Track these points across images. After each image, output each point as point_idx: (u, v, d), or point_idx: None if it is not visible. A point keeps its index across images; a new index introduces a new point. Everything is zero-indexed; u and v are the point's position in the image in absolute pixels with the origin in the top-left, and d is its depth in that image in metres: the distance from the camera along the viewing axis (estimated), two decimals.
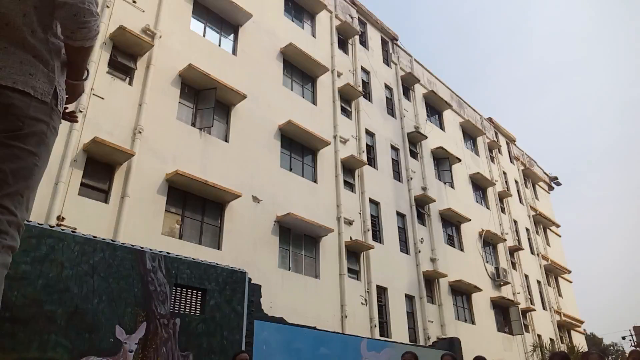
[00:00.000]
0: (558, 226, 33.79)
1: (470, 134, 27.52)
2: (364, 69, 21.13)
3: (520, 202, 30.04)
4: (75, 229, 8.38)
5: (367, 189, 18.07)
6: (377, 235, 17.90)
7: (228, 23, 15.95)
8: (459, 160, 24.00)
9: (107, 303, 6.77)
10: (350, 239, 16.17)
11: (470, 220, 22.56)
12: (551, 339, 26.03)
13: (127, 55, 12.60)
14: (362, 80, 20.75)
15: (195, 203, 12.77)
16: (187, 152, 12.80)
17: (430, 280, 19.39)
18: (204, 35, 15.09)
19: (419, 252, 19.22)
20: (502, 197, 27.53)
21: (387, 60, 23.19)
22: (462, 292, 20.96)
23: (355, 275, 16.26)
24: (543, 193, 34.39)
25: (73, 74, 1.59)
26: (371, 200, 18.22)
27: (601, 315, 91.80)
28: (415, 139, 22.19)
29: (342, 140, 17.95)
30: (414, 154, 21.94)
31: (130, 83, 12.46)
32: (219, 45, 15.39)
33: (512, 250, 26.14)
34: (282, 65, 17.10)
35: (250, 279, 9.01)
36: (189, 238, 12.29)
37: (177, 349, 7.35)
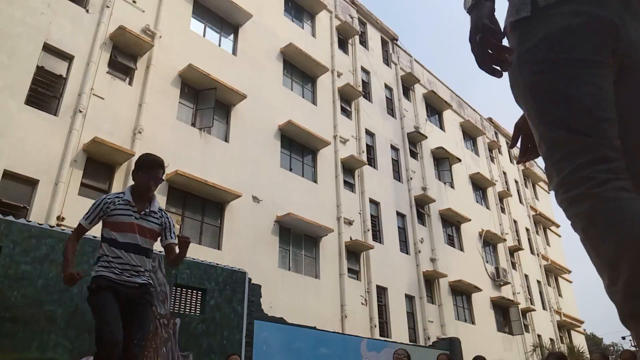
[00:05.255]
0: (558, 226, 33.76)
1: (470, 134, 27.50)
2: (364, 69, 21.12)
3: (520, 202, 30.01)
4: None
5: (367, 189, 18.06)
6: (377, 235, 17.90)
7: (228, 23, 15.94)
8: (459, 160, 23.99)
9: None
10: (350, 239, 16.16)
11: (470, 220, 22.54)
12: (551, 339, 26.02)
13: (127, 55, 12.60)
14: (362, 80, 20.74)
15: (195, 203, 12.77)
16: (187, 152, 12.79)
17: (430, 280, 19.38)
18: (204, 35, 15.08)
19: (419, 252, 19.21)
20: (502, 197, 27.52)
21: (387, 60, 23.18)
22: (462, 292, 20.95)
23: (355, 275, 16.26)
24: (543, 193, 34.37)
25: None
26: (371, 200, 18.21)
27: (601, 315, 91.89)
28: (415, 139, 22.18)
29: (342, 140, 17.95)
30: (414, 154, 21.94)
31: (130, 83, 12.46)
32: (219, 45, 15.38)
33: (512, 250, 26.12)
34: (282, 65, 17.08)
35: (250, 279, 9.01)
36: (189, 238, 12.27)
37: (177, 349, 7.35)
